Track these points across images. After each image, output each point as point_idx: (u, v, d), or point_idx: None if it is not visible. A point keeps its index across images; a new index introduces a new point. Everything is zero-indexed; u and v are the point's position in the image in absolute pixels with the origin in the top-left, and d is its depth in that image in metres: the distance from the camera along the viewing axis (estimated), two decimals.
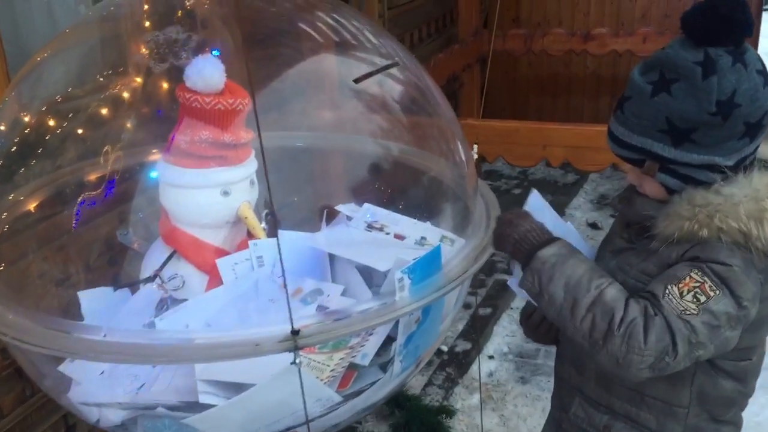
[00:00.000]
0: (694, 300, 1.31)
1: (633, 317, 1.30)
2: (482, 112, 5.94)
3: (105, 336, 1.19)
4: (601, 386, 1.57)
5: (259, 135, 1.03)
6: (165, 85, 1.53)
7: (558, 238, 1.43)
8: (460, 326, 3.80)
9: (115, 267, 1.90)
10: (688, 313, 1.31)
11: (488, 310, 4.00)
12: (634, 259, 1.49)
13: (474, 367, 3.53)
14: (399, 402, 2.98)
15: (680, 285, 1.33)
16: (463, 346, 3.64)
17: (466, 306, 4.04)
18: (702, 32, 1.33)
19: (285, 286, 1.13)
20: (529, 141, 3.04)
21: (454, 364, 3.52)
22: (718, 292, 1.32)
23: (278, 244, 1.14)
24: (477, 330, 3.53)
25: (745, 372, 1.52)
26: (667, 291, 1.33)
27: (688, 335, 1.31)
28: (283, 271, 1.13)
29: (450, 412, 3.01)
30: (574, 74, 6.10)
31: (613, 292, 1.34)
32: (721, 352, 1.40)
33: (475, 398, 3.26)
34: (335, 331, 1.23)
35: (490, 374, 3.53)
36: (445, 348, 3.63)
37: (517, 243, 1.43)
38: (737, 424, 1.62)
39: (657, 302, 1.33)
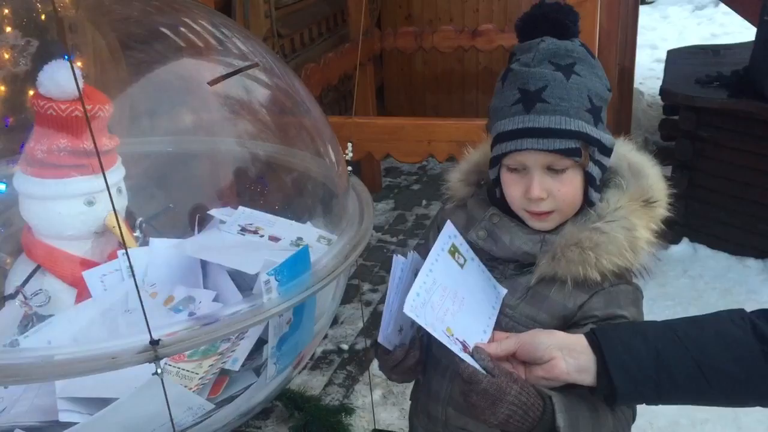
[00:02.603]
0: None
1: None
2: (381, 111, 6.02)
3: None
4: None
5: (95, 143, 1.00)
6: (11, 93, 1.46)
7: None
8: (360, 324, 3.81)
9: None
10: None
11: None
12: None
13: (374, 364, 3.55)
14: (298, 404, 2.96)
15: None
16: (363, 343, 3.65)
17: (367, 303, 4.06)
18: (549, 27, 1.29)
19: (138, 293, 1.10)
20: (415, 137, 3.07)
21: (354, 362, 3.52)
22: None
23: (125, 254, 1.10)
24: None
25: None
26: None
27: None
28: (134, 278, 1.10)
29: (349, 411, 3.02)
30: (468, 70, 6.23)
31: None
32: None
33: (376, 395, 3.27)
34: (198, 338, 1.21)
35: None
36: (345, 347, 3.63)
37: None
38: None
39: None
